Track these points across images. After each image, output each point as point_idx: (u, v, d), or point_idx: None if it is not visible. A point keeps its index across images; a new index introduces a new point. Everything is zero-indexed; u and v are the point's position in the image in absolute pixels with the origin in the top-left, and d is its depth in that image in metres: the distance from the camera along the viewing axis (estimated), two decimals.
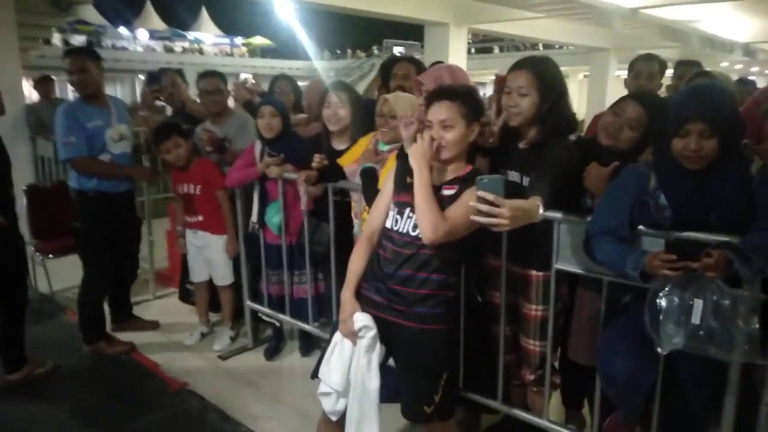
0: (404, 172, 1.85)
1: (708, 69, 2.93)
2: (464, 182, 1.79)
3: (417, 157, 1.78)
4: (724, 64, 17.85)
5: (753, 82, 3.56)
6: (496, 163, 2.09)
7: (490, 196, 1.53)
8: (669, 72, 3.26)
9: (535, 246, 2.02)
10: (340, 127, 2.76)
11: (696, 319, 1.53)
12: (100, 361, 3.26)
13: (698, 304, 1.53)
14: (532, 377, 2.16)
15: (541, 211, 1.69)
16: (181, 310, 3.86)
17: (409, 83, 3.15)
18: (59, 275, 4.13)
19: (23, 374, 2.99)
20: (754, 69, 23.30)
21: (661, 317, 1.58)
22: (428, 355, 1.86)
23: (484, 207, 1.53)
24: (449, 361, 1.95)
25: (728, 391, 1.71)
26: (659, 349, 1.60)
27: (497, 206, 1.52)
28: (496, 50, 25.35)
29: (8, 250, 2.86)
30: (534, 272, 2.07)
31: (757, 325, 1.51)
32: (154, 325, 3.69)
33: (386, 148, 2.43)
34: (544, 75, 1.95)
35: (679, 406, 1.80)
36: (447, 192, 1.80)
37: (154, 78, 4.02)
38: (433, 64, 2.97)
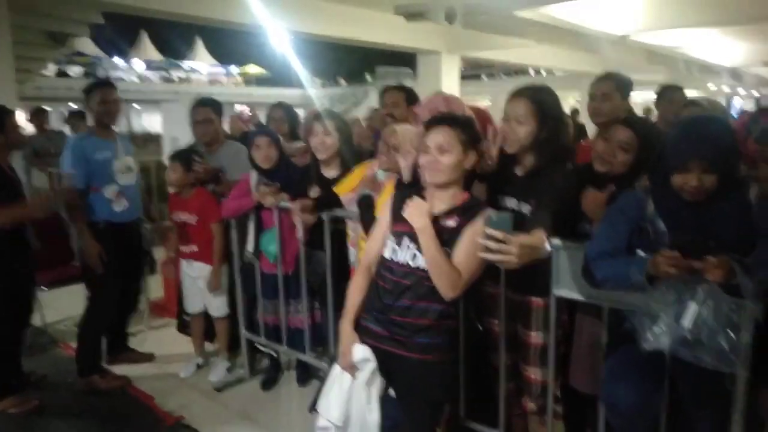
0: (402, 200, 1.85)
1: (699, 95, 2.95)
2: (464, 212, 1.79)
3: (415, 216, 1.78)
4: (712, 87, 18.14)
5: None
6: (493, 189, 2.10)
7: (499, 234, 1.53)
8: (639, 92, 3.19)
9: (535, 273, 2.00)
10: (328, 155, 2.78)
11: (687, 322, 1.52)
12: (94, 396, 3.19)
13: (692, 307, 1.53)
14: (533, 406, 2.13)
15: (546, 246, 1.69)
16: (176, 341, 3.81)
17: (398, 111, 3.19)
18: (52, 307, 4.08)
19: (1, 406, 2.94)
20: (741, 91, 23.70)
21: (653, 316, 1.57)
22: (429, 386, 1.84)
23: (493, 245, 1.54)
24: (450, 391, 1.92)
25: (735, 409, 1.68)
26: (645, 346, 1.59)
27: (506, 244, 1.52)
28: (484, 77, 25.70)
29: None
30: (533, 299, 2.06)
31: (747, 337, 1.51)
32: (149, 358, 3.64)
33: (384, 176, 2.43)
34: (542, 104, 1.97)
35: None
36: (447, 223, 1.80)
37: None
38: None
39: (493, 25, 8.66)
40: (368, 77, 29.81)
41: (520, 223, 1.79)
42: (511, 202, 2.01)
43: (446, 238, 1.77)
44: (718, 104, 2.86)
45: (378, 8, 7.73)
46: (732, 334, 1.49)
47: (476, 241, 1.61)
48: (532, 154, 1.99)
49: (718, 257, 1.48)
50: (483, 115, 2.34)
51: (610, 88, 2.69)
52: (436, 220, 1.78)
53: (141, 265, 3.61)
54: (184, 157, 3.26)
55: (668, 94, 3.32)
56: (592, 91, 2.77)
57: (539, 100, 1.97)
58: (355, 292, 1.93)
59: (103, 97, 3.23)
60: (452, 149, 1.79)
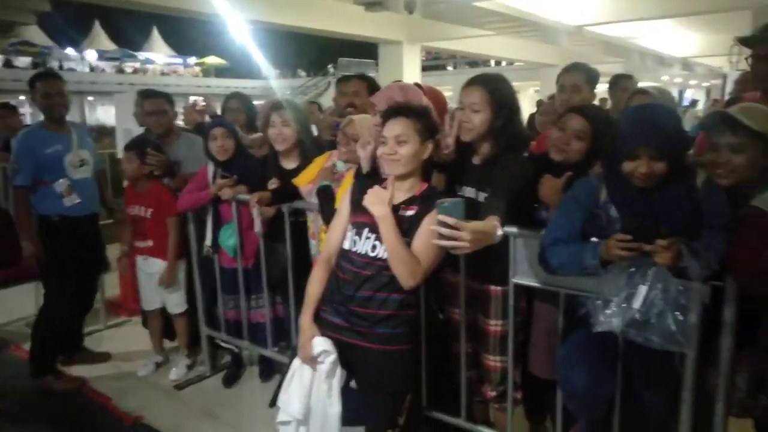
0: (362, 191, 1.84)
1: (649, 84, 3.00)
2: (422, 201, 1.79)
3: (375, 204, 1.77)
4: (665, 77, 18.69)
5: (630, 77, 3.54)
6: (451, 179, 2.10)
7: (450, 220, 1.53)
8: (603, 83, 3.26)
9: (493, 261, 2.02)
10: (287, 146, 2.74)
11: (638, 303, 1.57)
12: (48, 398, 3.08)
13: (642, 289, 1.57)
14: (493, 393, 2.16)
15: (499, 232, 1.71)
16: (134, 340, 3.71)
17: (359, 100, 3.15)
18: (1, 308, 3.92)
19: None
20: (693, 82, 24.52)
21: (604, 298, 1.61)
22: (391, 377, 1.84)
23: (445, 231, 1.53)
24: (412, 381, 1.93)
25: (684, 387, 1.74)
26: (597, 328, 1.62)
27: (458, 230, 1.52)
28: (448, 68, 25.90)
29: None
30: (492, 287, 2.08)
31: (695, 318, 1.57)
32: (105, 358, 3.54)
33: (344, 167, 2.41)
34: (497, 92, 1.98)
35: (638, 413, 1.83)
36: (407, 213, 1.80)
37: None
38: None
39: (452, 16, 8.70)
40: (331, 69, 29.59)
41: (477, 212, 1.80)
42: (469, 192, 2.02)
43: (406, 228, 1.77)
44: (667, 93, 2.93)
45: None
46: (680, 316, 1.54)
47: (430, 229, 1.61)
48: (488, 143, 2.01)
49: (668, 240, 1.52)
50: (440, 98, 2.35)
51: (579, 80, 2.72)
52: (395, 210, 1.78)
53: (98, 260, 3.49)
54: (140, 146, 3.16)
55: (621, 82, 3.38)
56: (561, 83, 2.79)
57: (493, 88, 1.98)
58: (315, 284, 1.91)
59: (46, 89, 3.10)
60: (409, 140, 1.79)
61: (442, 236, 1.54)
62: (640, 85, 3.26)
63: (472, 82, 2.02)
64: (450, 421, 2.26)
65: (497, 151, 1.98)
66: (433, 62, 25.59)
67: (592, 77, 2.73)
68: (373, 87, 3.18)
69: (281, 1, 7.51)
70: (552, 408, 2.11)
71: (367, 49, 14.00)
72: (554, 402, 2.04)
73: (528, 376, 2.17)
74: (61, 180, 3.12)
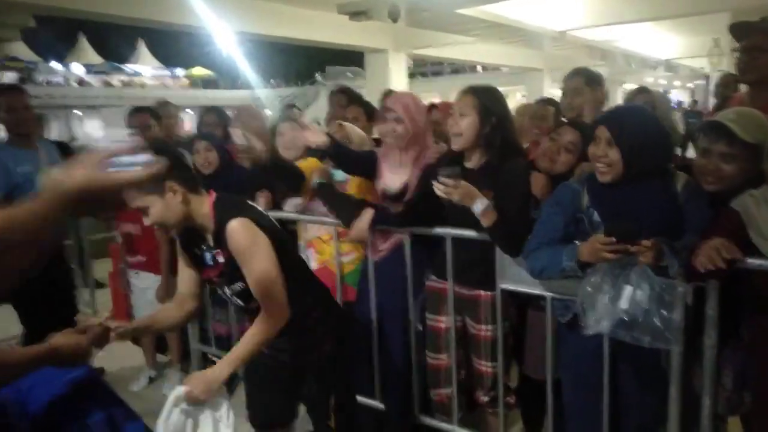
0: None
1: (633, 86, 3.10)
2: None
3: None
4: (649, 79, 18.91)
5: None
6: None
7: (449, 181, 1.84)
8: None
9: (480, 266, 2.06)
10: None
11: (624, 304, 1.60)
12: None
13: (627, 290, 1.61)
14: (486, 399, 2.18)
15: (480, 204, 1.86)
16: (127, 355, 3.69)
17: (342, 112, 3.26)
18: None
19: None
20: (677, 83, 24.80)
21: (589, 302, 1.65)
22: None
23: (443, 188, 1.84)
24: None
25: (672, 384, 1.77)
26: (588, 332, 1.66)
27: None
28: (430, 75, 26.21)
29: None
30: (481, 293, 2.10)
31: (679, 315, 1.61)
32: (98, 373, 3.51)
33: (343, 177, 2.43)
34: (484, 98, 2.02)
35: (629, 418, 1.86)
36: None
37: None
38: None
39: (437, 23, 8.77)
40: (318, 77, 29.66)
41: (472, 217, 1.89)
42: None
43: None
44: (665, 98, 3.04)
45: (321, 8, 7.70)
46: (666, 313, 1.57)
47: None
48: (479, 150, 2.05)
49: (651, 240, 1.56)
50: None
51: (580, 84, 2.80)
52: None
53: (65, 278, 3.40)
54: None
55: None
56: (564, 88, 2.89)
57: (481, 95, 2.04)
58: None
59: (9, 104, 2.95)
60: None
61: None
62: (626, 86, 3.35)
63: (462, 92, 2.08)
64: (442, 427, 2.28)
65: (490, 158, 2.02)
66: (419, 69, 25.76)
67: (593, 79, 2.81)
68: (352, 99, 3.33)
69: (267, 12, 7.54)
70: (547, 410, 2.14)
71: (354, 57, 14.08)
72: (550, 403, 2.07)
73: (525, 379, 2.20)
74: None
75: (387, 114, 2.25)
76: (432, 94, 19.65)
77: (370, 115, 3.22)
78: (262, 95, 23.61)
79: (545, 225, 1.83)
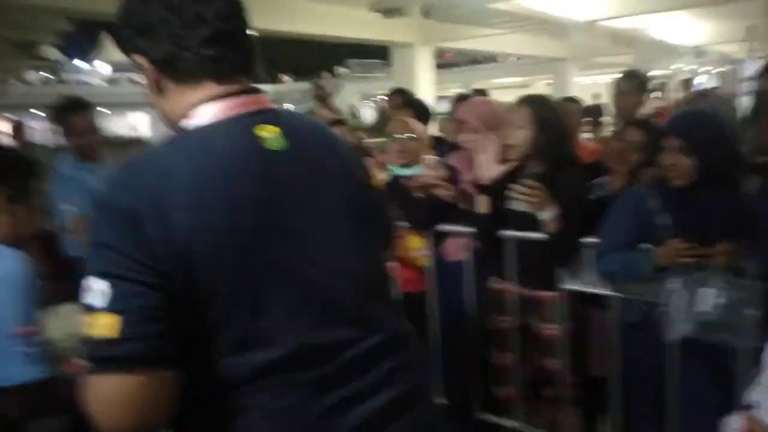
0: None
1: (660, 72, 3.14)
2: None
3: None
4: (675, 66, 18.55)
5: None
6: (498, 198, 2.19)
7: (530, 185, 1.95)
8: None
9: (544, 266, 2.12)
10: None
11: (705, 306, 1.65)
12: None
13: (705, 292, 1.66)
14: (550, 395, 2.24)
15: (549, 212, 1.92)
16: None
17: (397, 112, 3.36)
18: None
19: None
20: (704, 69, 24.24)
21: (668, 305, 1.70)
22: None
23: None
24: None
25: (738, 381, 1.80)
26: (669, 336, 1.72)
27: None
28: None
29: None
30: (545, 293, 2.16)
31: (760, 314, 1.64)
32: None
33: (409, 172, 2.48)
34: (541, 110, 2.08)
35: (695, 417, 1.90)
36: None
37: None
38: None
39: (465, 17, 8.73)
40: (340, 70, 29.64)
41: (534, 226, 1.92)
42: (521, 205, 2.10)
43: None
44: (728, 101, 3.09)
45: (353, 5, 7.74)
46: (746, 313, 1.62)
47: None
48: (534, 161, 2.10)
49: (725, 243, 1.61)
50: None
51: (633, 86, 2.90)
52: None
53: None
54: None
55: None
56: (619, 88, 2.98)
57: (537, 107, 2.10)
58: None
59: (79, 126, 2.60)
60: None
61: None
62: (650, 74, 3.41)
63: (518, 103, 2.12)
64: (505, 424, 2.35)
65: (546, 170, 2.07)
66: (440, 61, 25.52)
67: (642, 82, 2.92)
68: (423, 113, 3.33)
69: (292, 11, 7.60)
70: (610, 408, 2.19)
71: (374, 50, 14.03)
72: (613, 401, 2.12)
73: (586, 376, 2.26)
74: None
75: (462, 125, 2.31)
76: (455, 84, 19.58)
77: (422, 116, 3.27)
78: (284, 89, 23.65)
79: (613, 228, 1.89)
